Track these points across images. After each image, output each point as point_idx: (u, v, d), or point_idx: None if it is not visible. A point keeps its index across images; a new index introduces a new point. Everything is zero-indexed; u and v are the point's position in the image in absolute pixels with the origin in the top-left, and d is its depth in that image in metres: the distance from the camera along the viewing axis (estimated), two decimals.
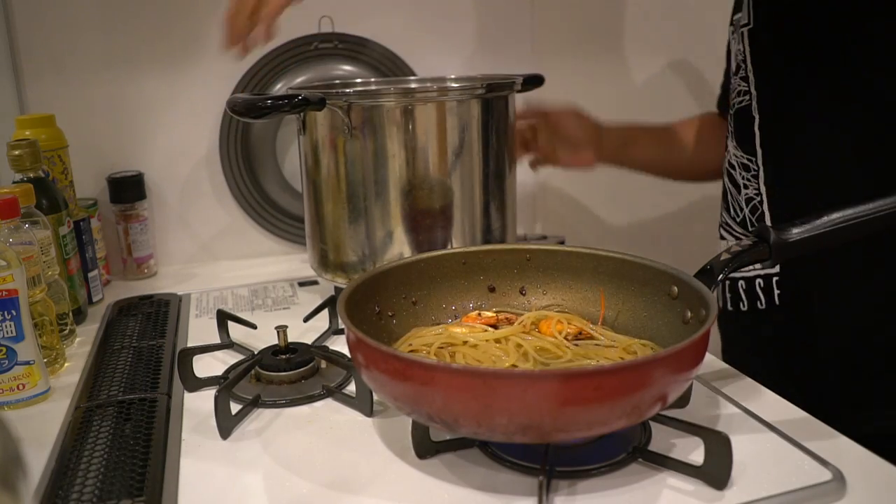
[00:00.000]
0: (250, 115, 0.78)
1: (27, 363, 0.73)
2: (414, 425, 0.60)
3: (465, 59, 1.26)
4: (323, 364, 0.78)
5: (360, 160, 0.87)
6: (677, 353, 0.53)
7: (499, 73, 1.04)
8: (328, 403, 0.71)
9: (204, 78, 1.15)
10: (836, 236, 0.65)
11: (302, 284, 1.07)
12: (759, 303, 0.88)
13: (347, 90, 1.01)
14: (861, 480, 0.56)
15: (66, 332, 0.88)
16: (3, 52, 1.06)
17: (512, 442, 0.59)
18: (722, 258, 0.66)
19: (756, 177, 0.87)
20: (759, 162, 0.87)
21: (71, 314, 0.90)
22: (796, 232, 0.65)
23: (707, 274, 0.65)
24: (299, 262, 1.17)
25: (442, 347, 0.67)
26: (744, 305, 0.90)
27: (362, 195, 0.88)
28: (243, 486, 0.59)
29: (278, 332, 0.77)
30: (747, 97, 0.88)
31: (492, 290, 0.77)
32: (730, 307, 0.93)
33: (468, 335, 0.68)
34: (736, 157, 0.90)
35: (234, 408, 0.68)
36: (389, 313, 0.72)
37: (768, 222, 0.86)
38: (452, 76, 1.06)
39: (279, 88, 1.18)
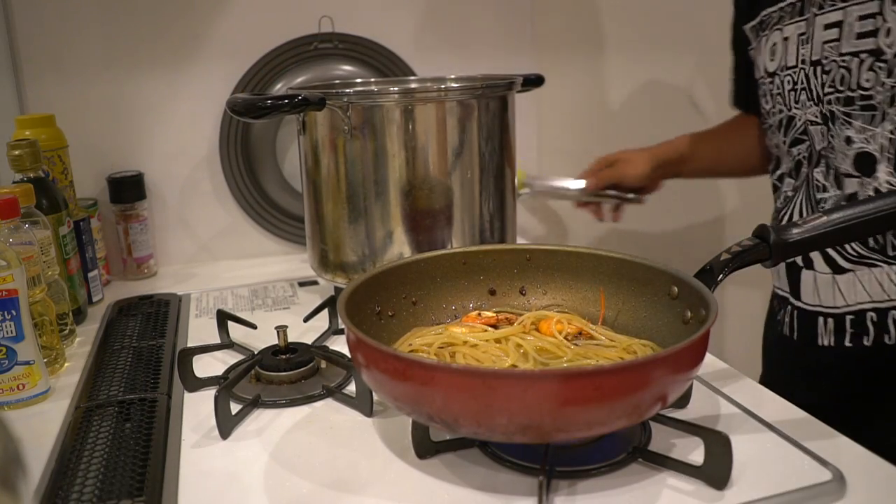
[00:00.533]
0: (250, 115, 0.78)
1: (27, 363, 0.73)
2: (414, 425, 0.60)
3: (465, 59, 1.26)
4: (323, 364, 0.78)
5: (360, 160, 0.87)
6: (677, 353, 0.53)
7: (499, 73, 1.04)
8: (328, 403, 0.71)
9: (204, 78, 1.15)
10: (836, 236, 0.65)
11: (302, 284, 1.07)
12: (887, 337, 0.81)
13: (347, 90, 1.01)
14: (861, 480, 0.56)
15: (66, 332, 0.88)
16: (3, 52, 1.06)
17: (512, 442, 0.59)
18: (722, 258, 0.66)
19: None
20: None
21: (71, 314, 0.90)
22: (796, 232, 0.65)
23: (707, 274, 0.65)
24: (299, 262, 1.17)
25: (442, 347, 0.67)
26: (867, 340, 0.82)
27: (362, 195, 0.88)
28: (243, 486, 0.59)
29: (278, 332, 0.77)
30: None
31: (492, 293, 0.77)
32: (847, 343, 0.84)
33: (468, 335, 0.68)
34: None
35: (234, 408, 0.68)
36: (389, 313, 0.72)
37: None
38: (452, 76, 1.06)
39: (279, 88, 1.18)
